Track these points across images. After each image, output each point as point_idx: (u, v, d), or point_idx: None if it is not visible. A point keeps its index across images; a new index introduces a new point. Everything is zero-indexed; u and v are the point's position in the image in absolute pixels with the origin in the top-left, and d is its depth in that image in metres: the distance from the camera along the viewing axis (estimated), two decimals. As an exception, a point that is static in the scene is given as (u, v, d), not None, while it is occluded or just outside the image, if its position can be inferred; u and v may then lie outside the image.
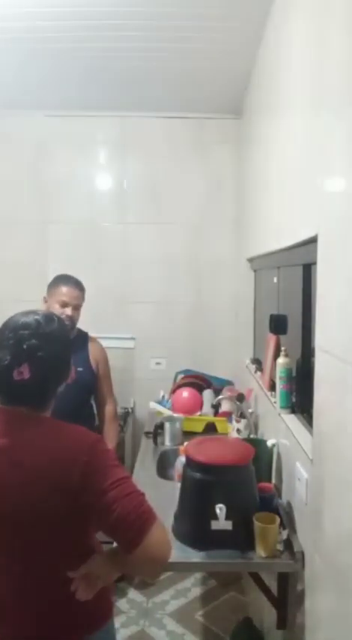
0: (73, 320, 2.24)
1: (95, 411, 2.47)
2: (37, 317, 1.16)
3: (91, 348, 2.40)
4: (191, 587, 2.73)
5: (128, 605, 2.57)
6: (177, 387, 2.97)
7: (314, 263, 1.35)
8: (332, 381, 1.17)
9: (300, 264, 1.70)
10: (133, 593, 2.65)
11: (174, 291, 3.43)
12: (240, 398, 2.45)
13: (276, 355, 1.90)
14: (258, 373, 2.42)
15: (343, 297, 1.09)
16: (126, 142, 3.38)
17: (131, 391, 3.40)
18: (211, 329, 3.44)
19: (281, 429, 1.77)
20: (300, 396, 1.72)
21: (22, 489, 1.06)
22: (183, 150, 3.37)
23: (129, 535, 1.03)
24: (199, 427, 2.57)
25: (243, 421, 2.27)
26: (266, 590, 1.60)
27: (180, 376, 3.17)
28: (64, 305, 2.23)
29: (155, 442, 2.45)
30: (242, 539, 1.46)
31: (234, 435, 2.26)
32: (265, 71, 2.26)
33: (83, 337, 2.41)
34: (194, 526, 1.51)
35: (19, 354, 1.10)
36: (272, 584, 1.60)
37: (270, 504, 1.55)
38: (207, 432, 2.55)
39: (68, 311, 2.22)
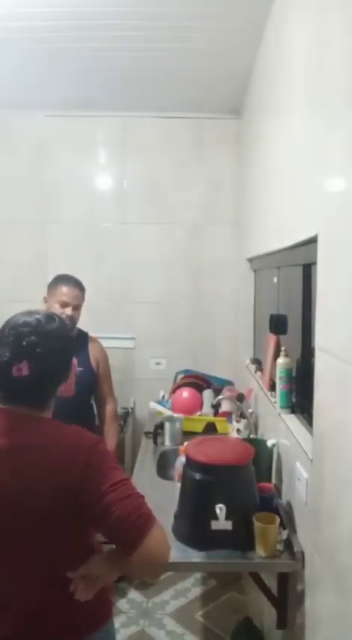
0: (73, 320, 2.24)
1: (95, 411, 2.47)
2: (38, 316, 1.17)
3: (91, 348, 2.40)
4: (191, 587, 2.73)
5: (128, 605, 2.57)
6: (177, 387, 2.96)
7: (314, 263, 1.35)
8: (332, 381, 1.17)
9: (300, 264, 1.69)
10: (133, 593, 2.65)
11: (174, 291, 3.43)
12: (240, 398, 2.45)
13: (276, 355, 1.90)
14: (258, 373, 2.42)
15: (343, 297, 1.09)
16: (126, 142, 3.38)
17: (131, 391, 3.40)
18: (211, 329, 3.44)
19: (281, 429, 1.77)
20: (300, 396, 1.72)
21: (22, 490, 1.06)
22: (183, 150, 3.37)
23: (129, 537, 1.03)
24: (199, 427, 2.58)
25: (243, 421, 2.27)
26: (266, 590, 1.60)
27: (180, 376, 3.17)
28: (64, 305, 2.23)
29: (155, 442, 2.45)
30: (242, 539, 1.46)
31: (234, 435, 2.25)
32: (265, 71, 2.26)
33: (83, 337, 2.41)
34: (194, 526, 1.51)
35: (19, 350, 1.10)
36: (272, 584, 1.60)
37: (270, 504, 1.55)
38: (207, 432, 2.55)
39: (68, 311, 2.22)
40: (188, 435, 2.42)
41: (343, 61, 1.09)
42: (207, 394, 2.88)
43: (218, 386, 3.02)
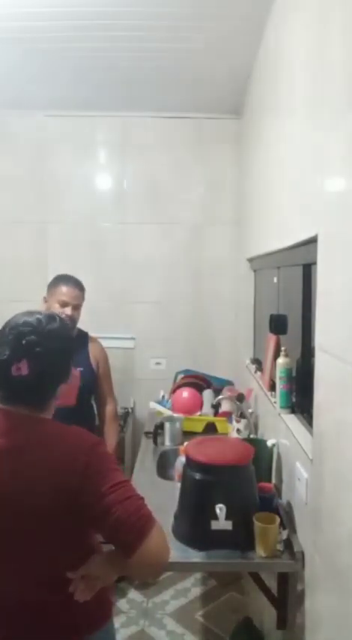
0: (73, 319, 2.24)
1: (95, 411, 2.47)
2: (39, 316, 1.17)
3: (91, 348, 2.40)
4: (191, 587, 2.73)
5: (128, 605, 2.57)
6: (177, 387, 2.96)
7: (314, 263, 1.35)
8: (332, 381, 1.17)
9: (300, 264, 1.69)
10: (133, 593, 2.65)
11: (174, 291, 3.43)
12: (240, 398, 2.45)
13: (276, 355, 1.90)
14: (258, 373, 2.41)
15: (343, 297, 1.09)
16: (126, 142, 3.38)
17: (131, 391, 3.40)
18: (211, 329, 3.44)
19: (281, 429, 1.77)
20: (300, 396, 1.72)
21: (21, 490, 1.06)
22: (183, 150, 3.37)
23: (128, 539, 1.03)
24: (199, 427, 2.57)
25: (243, 421, 2.27)
26: (266, 590, 1.60)
27: (180, 376, 3.17)
28: (64, 305, 2.23)
29: (155, 442, 2.45)
30: (242, 539, 1.46)
31: (234, 435, 2.25)
32: (265, 71, 2.26)
33: (83, 337, 2.41)
34: (194, 526, 1.51)
35: (18, 349, 1.10)
36: (272, 584, 1.60)
37: (270, 504, 1.55)
38: (207, 432, 2.55)
39: (68, 310, 2.22)
40: (188, 435, 2.42)
41: (343, 61, 1.09)
42: (207, 394, 2.88)
43: (218, 386, 3.02)
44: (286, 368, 1.76)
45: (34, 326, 1.14)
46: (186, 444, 1.76)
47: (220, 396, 2.63)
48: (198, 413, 2.74)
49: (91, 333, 2.46)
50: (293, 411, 1.75)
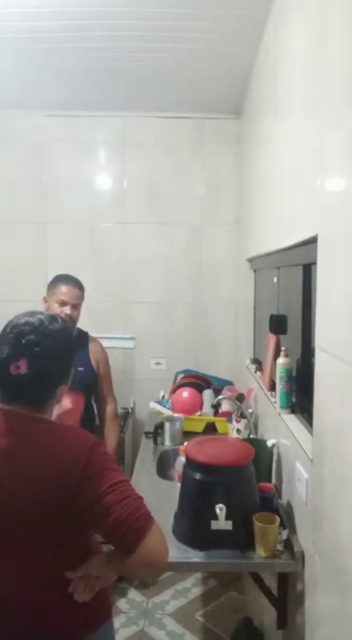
0: (72, 319, 2.24)
1: (95, 411, 2.47)
2: (41, 316, 1.18)
3: (91, 348, 2.40)
4: (191, 587, 2.73)
5: (128, 605, 2.57)
6: (177, 387, 2.97)
7: (314, 263, 1.35)
8: (332, 381, 1.17)
9: (300, 264, 1.69)
10: (133, 593, 2.65)
11: (174, 291, 3.43)
12: (240, 398, 2.45)
13: (276, 355, 1.90)
14: (258, 373, 2.41)
15: (343, 297, 1.09)
16: (126, 142, 3.38)
17: (131, 391, 3.40)
18: (211, 329, 3.44)
19: (281, 429, 1.77)
20: (300, 396, 1.72)
21: (20, 490, 1.06)
22: (183, 150, 3.37)
23: (127, 539, 1.03)
24: (199, 427, 2.58)
25: (243, 421, 2.27)
26: (266, 590, 1.60)
27: (180, 376, 3.17)
28: (63, 304, 2.23)
29: (155, 442, 2.45)
30: (242, 539, 1.46)
31: (234, 435, 2.25)
32: (265, 71, 2.26)
33: (83, 337, 2.41)
34: (194, 526, 1.51)
35: (18, 348, 1.11)
36: (272, 584, 1.60)
37: (270, 504, 1.55)
38: (207, 432, 2.56)
39: (67, 310, 2.22)
40: (188, 435, 2.42)
41: (343, 61, 1.09)
42: (207, 394, 2.88)
43: (218, 386, 3.02)
44: (286, 368, 1.76)
45: (34, 326, 1.14)
46: (186, 444, 1.77)
47: (220, 396, 2.63)
48: (198, 413, 2.74)
49: (91, 333, 2.46)
50: (293, 411, 1.75)
